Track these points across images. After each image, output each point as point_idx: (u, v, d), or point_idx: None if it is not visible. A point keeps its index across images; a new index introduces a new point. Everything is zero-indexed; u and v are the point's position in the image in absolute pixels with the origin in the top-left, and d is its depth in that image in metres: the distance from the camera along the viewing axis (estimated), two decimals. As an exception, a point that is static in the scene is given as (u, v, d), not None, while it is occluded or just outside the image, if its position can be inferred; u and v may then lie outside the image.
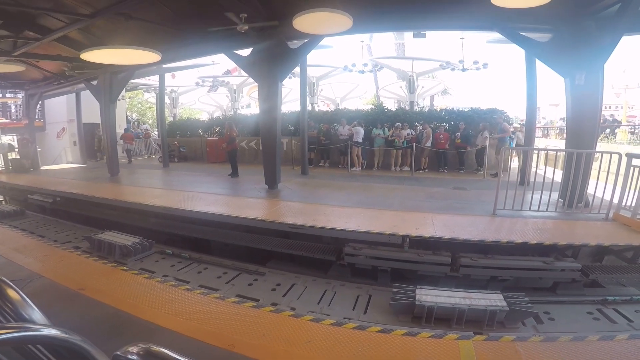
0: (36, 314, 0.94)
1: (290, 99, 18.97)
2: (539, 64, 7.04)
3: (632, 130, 15.29)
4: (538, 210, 5.30)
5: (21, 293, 0.97)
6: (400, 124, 10.36)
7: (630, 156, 4.85)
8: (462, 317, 3.21)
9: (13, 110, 16.79)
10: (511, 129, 9.81)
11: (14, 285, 0.97)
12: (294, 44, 6.79)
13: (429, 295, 3.39)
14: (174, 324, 2.51)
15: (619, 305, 3.68)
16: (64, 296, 3.00)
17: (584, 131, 5.45)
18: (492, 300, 3.34)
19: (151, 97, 23.70)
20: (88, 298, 2.96)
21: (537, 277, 4.22)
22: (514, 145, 9.35)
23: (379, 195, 6.99)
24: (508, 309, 3.22)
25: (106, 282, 3.29)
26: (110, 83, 9.51)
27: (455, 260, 4.28)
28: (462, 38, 14.59)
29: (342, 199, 6.58)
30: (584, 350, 2.22)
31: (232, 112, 19.66)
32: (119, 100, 11.82)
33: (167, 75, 15.13)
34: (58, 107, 15.84)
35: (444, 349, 2.22)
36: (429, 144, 10.03)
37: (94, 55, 5.19)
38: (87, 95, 12.78)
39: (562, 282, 4.19)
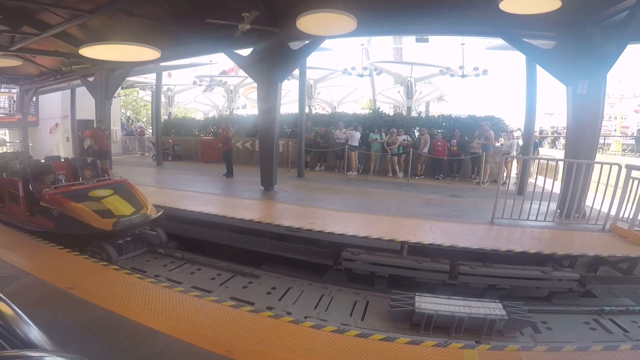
0: (33, 332, 0.81)
1: (287, 100, 18.91)
2: (539, 72, 7.08)
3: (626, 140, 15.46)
4: (536, 220, 5.29)
5: (14, 307, 0.84)
6: (396, 130, 10.36)
7: (629, 168, 4.87)
8: (462, 326, 3.18)
9: (6, 105, 16.43)
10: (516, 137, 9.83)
11: (5, 298, 0.86)
12: (295, 45, 6.75)
13: (428, 303, 3.35)
14: (167, 327, 2.41)
15: (615, 315, 3.71)
16: (52, 295, 2.88)
17: (584, 141, 5.46)
18: (491, 309, 3.32)
19: (147, 95, 23.46)
20: (77, 298, 2.83)
21: (535, 286, 4.21)
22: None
23: (375, 201, 6.94)
24: (507, 317, 3.20)
25: (96, 282, 3.16)
26: (106, 80, 9.40)
27: (454, 268, 4.25)
28: (462, 44, 14.60)
29: (339, 203, 6.53)
30: (588, 360, 2.20)
31: (228, 113, 19.52)
32: (114, 97, 11.65)
33: (164, 74, 15.00)
34: (52, 102, 15.61)
35: (448, 358, 2.16)
36: (425, 150, 10.04)
37: (93, 51, 5.09)
38: (82, 92, 12.61)
39: (558, 291, 4.18)
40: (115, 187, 5.05)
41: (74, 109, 14.32)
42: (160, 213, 5.04)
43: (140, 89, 22.61)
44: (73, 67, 9.08)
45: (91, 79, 9.91)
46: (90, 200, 4.56)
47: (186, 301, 2.82)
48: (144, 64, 8.91)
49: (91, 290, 2.97)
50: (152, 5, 5.86)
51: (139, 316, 2.56)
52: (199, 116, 23.75)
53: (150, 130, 19.98)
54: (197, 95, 23.44)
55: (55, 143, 15.98)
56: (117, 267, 3.65)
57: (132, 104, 29.90)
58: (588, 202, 5.62)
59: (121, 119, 20.81)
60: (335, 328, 2.47)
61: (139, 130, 19.28)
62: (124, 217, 4.50)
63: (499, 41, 7.08)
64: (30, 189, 4.79)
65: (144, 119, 28.70)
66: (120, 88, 13.04)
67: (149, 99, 21.73)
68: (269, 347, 2.21)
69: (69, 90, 14.02)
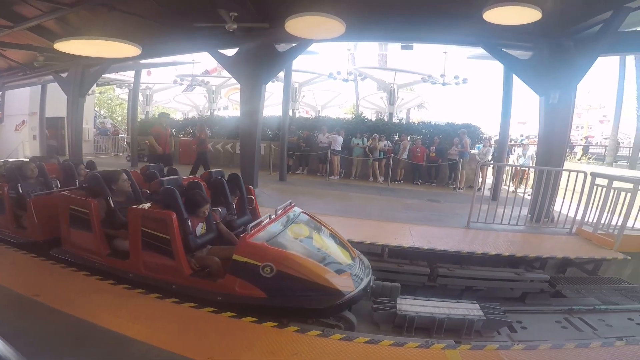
0: None
1: (270, 103, 18.81)
2: (514, 82, 7.37)
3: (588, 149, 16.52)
4: (508, 224, 5.51)
5: None
6: (377, 136, 10.53)
7: (594, 175, 5.20)
8: (442, 327, 3.25)
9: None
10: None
11: None
12: (281, 47, 6.73)
13: (409, 305, 3.40)
14: (144, 335, 2.31)
15: (584, 314, 3.88)
16: (15, 303, 2.69)
17: (554, 149, 5.75)
18: (469, 310, 3.41)
19: (123, 94, 22.61)
20: (44, 305, 2.66)
21: (509, 287, 4.38)
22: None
23: (357, 205, 7.02)
24: (485, 318, 3.30)
25: (65, 288, 2.98)
26: (81, 76, 8.97)
27: (433, 271, 4.35)
28: (445, 52, 15.10)
29: (321, 206, 6.53)
30: (563, 357, 2.32)
31: (208, 113, 19.16)
32: (88, 94, 11.14)
33: (143, 72, 14.54)
34: (20, 98, 14.74)
35: (431, 359, 2.21)
36: (405, 155, 10.26)
37: (69, 46, 4.80)
38: (53, 88, 11.99)
39: (530, 292, 4.37)
40: (300, 220, 3.47)
41: (44, 106, 13.60)
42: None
43: (116, 87, 21.76)
44: (47, 62, 8.60)
45: (64, 74, 9.44)
46: (304, 248, 3.00)
47: (164, 307, 2.72)
48: (123, 60, 8.61)
49: (59, 297, 2.79)
50: (136, 0, 5.67)
51: (113, 324, 2.43)
52: (178, 116, 23.17)
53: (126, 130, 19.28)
54: (177, 94, 22.87)
55: (21, 141, 15.07)
56: (88, 272, 3.22)
57: (107, 102, 28.74)
58: (556, 207, 5.92)
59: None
60: (320, 332, 2.46)
61: (113, 129, 18.56)
62: (353, 269, 3.04)
63: (480, 50, 7.36)
64: (190, 229, 3.01)
65: (119, 118, 27.65)
66: (95, 85, 12.52)
67: (126, 97, 20.95)
68: (253, 352, 2.17)
69: (39, 86, 13.30)
